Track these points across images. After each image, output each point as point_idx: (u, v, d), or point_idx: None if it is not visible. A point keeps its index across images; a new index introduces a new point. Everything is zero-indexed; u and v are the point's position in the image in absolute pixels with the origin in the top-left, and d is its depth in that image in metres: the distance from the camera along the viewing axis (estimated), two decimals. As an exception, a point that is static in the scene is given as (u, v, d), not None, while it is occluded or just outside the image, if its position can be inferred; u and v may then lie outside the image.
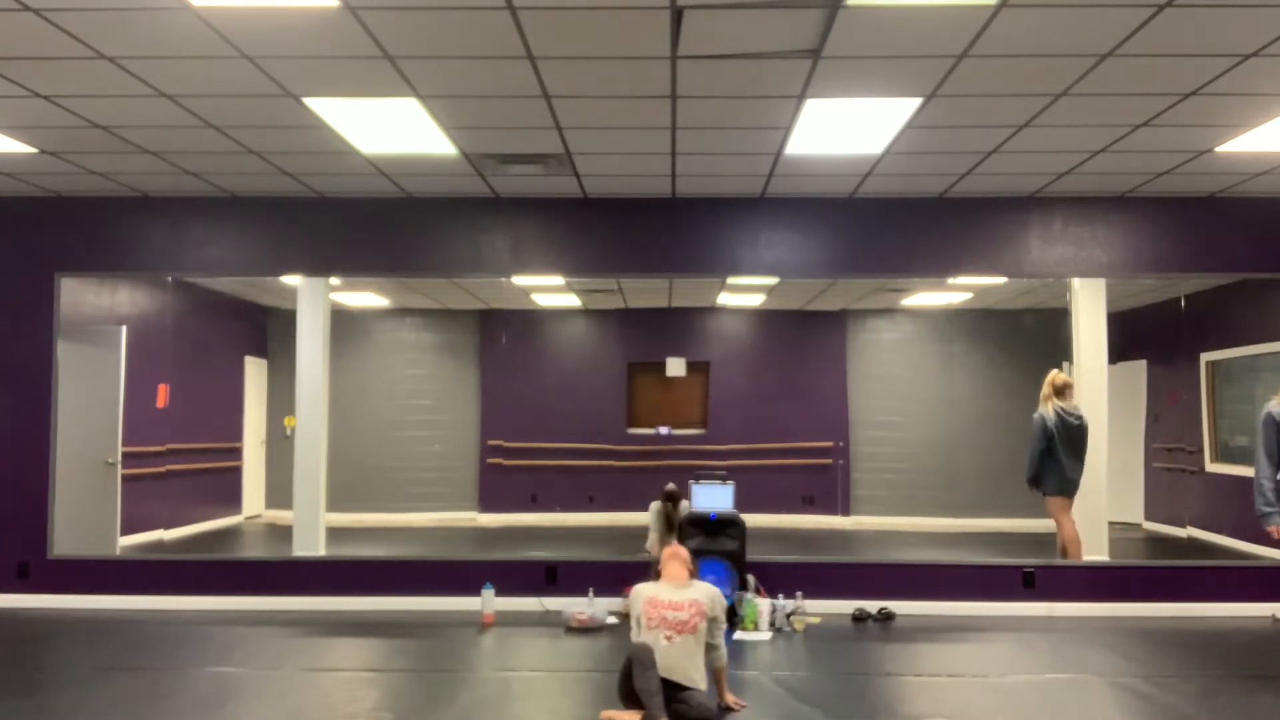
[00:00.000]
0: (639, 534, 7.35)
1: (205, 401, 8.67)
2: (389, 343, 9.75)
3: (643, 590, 4.71)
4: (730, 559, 6.66)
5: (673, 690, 4.35)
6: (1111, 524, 7.12)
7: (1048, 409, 7.01)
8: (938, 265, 7.11)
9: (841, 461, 9.02)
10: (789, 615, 6.46)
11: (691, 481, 6.92)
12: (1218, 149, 5.76)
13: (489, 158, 6.03)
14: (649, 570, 6.33)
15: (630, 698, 4.36)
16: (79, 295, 7.34)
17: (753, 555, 6.86)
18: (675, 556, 4.82)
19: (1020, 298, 8.12)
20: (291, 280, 7.34)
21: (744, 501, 6.88)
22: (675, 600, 4.55)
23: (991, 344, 8.88)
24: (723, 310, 9.30)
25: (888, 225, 7.08)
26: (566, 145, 5.75)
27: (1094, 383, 7.05)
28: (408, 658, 5.62)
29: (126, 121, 5.33)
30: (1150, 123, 5.28)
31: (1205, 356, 8.09)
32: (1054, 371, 7.10)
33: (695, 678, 4.44)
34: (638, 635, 4.56)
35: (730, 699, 4.64)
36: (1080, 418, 7.02)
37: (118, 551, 7.26)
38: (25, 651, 5.74)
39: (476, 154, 5.97)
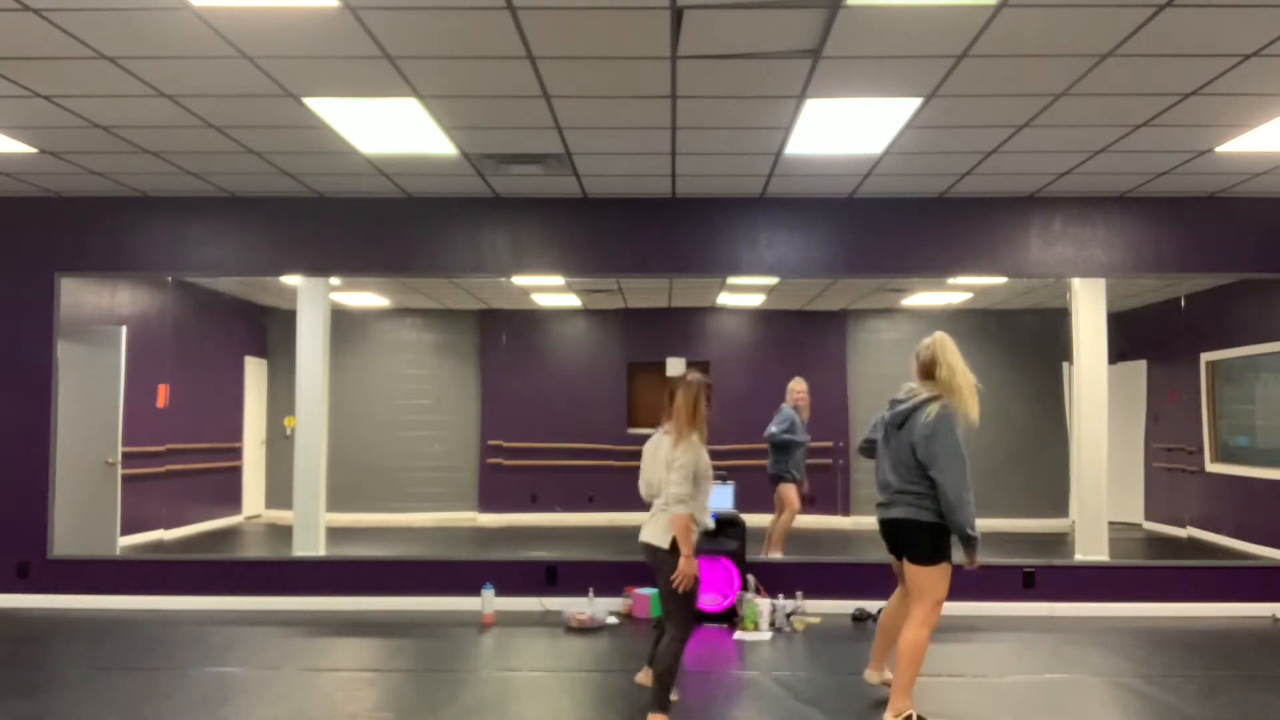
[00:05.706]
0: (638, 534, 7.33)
1: (205, 401, 8.66)
2: (389, 343, 9.74)
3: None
4: (730, 559, 6.67)
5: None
6: (1111, 524, 7.11)
7: None
8: (938, 265, 7.11)
9: (841, 461, 9.00)
10: (789, 615, 6.46)
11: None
12: (1218, 149, 5.76)
13: (489, 158, 6.03)
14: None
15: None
16: (79, 295, 7.33)
17: (753, 555, 6.86)
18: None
19: (1020, 298, 8.11)
20: (291, 280, 7.34)
21: (744, 501, 6.89)
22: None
23: (991, 344, 8.85)
24: (723, 310, 9.28)
25: (888, 225, 7.08)
26: (566, 145, 5.75)
27: (1094, 383, 7.05)
28: (408, 658, 5.62)
29: (126, 121, 5.33)
30: (1150, 123, 5.28)
31: (1205, 356, 8.08)
32: None
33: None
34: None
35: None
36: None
37: (118, 551, 7.25)
38: (25, 651, 5.74)
39: (476, 154, 5.96)
